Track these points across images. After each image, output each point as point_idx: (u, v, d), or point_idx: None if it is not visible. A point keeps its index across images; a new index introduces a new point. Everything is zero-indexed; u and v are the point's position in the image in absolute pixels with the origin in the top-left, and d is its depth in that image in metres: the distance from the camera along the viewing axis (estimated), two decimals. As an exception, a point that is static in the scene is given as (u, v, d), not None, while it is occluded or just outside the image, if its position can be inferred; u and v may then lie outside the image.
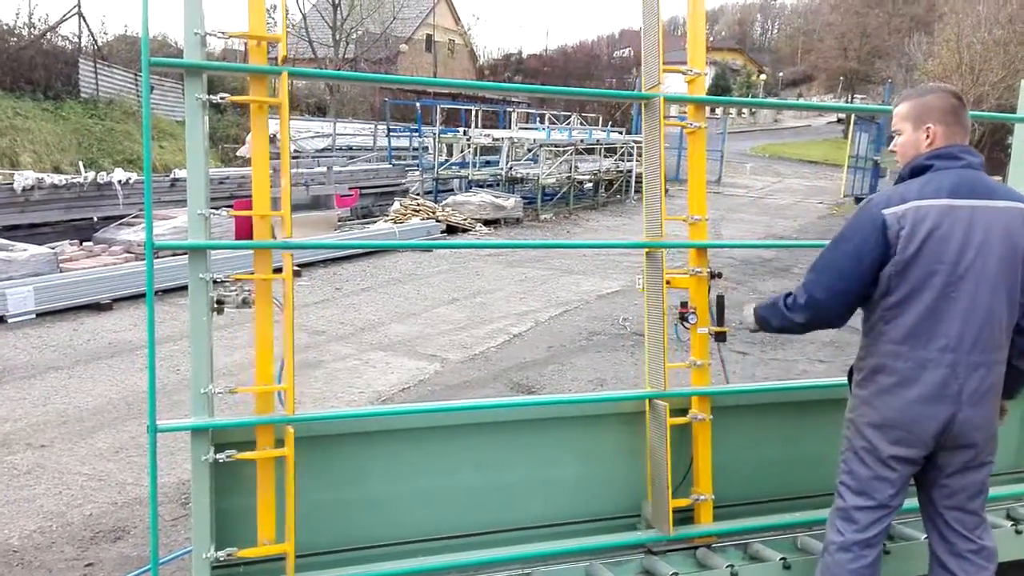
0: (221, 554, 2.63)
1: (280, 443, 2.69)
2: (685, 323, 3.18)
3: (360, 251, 11.54)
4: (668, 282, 3.16)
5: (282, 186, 2.59)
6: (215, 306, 2.68)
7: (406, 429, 2.97)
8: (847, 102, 45.11)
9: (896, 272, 2.43)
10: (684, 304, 3.21)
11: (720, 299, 3.25)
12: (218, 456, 2.61)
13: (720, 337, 3.22)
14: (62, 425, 5.20)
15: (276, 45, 2.60)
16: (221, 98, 2.55)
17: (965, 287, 2.39)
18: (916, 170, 2.52)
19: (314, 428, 2.81)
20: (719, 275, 3.25)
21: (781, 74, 66.96)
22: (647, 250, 3.14)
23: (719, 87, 49.56)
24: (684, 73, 3.17)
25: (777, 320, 2.74)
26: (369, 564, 2.85)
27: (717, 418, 3.21)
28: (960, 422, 2.43)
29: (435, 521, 3.04)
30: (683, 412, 3.22)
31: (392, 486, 2.98)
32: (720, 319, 3.23)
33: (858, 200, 23.70)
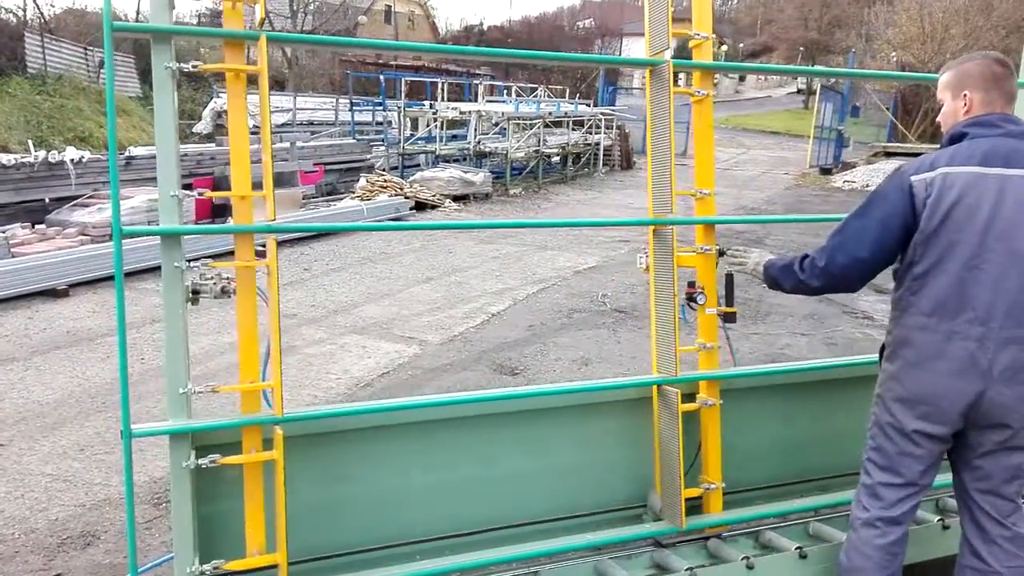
0: (207, 567, 2.42)
1: (267, 444, 2.47)
2: (693, 303, 3.02)
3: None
4: (672, 261, 2.98)
5: (264, 163, 2.34)
6: (190, 296, 2.44)
7: (401, 424, 2.77)
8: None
9: (922, 240, 2.35)
10: (692, 284, 3.04)
11: (730, 277, 3.08)
12: (200, 462, 2.38)
13: (729, 318, 3.06)
14: (21, 422, 4.89)
15: (254, 9, 2.35)
16: (193, 66, 2.27)
17: (995, 258, 2.29)
18: (953, 139, 2.43)
19: (302, 427, 2.60)
20: (727, 252, 3.08)
21: (741, 45, 66.97)
22: (654, 228, 2.96)
23: (681, 58, 49.20)
24: (691, 37, 2.97)
25: (791, 283, 2.67)
26: (366, 569, 2.66)
27: (723, 401, 3.07)
28: (990, 400, 2.31)
29: (434, 520, 2.87)
30: (690, 396, 3.07)
31: (388, 485, 2.79)
32: (729, 298, 3.07)
33: (823, 171, 23.80)
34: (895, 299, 2.50)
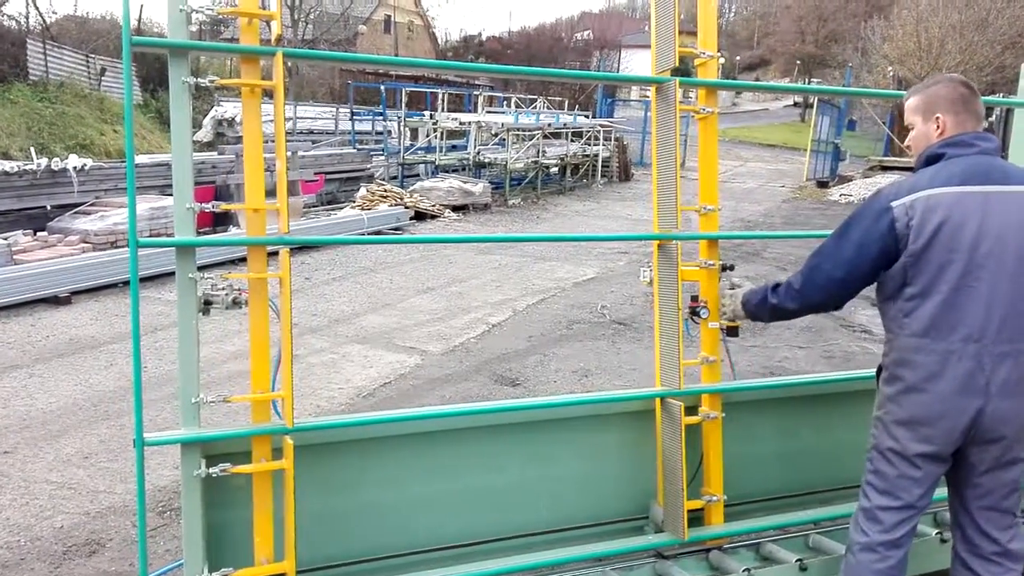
0: (216, 575, 2.44)
1: (277, 453, 2.51)
2: (696, 318, 3.06)
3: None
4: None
5: (278, 173, 2.38)
6: (202, 307, 2.48)
7: (407, 435, 2.80)
8: (806, 85, 45.62)
9: (911, 263, 2.37)
10: (695, 298, 3.08)
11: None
12: (211, 470, 2.41)
13: (732, 332, 3.10)
14: (25, 429, 4.91)
15: (270, 24, 2.39)
16: (210, 81, 2.32)
17: (984, 275, 2.32)
18: (929, 159, 2.47)
19: (310, 436, 2.63)
20: (731, 267, 3.13)
21: (738, 58, 67.26)
22: (659, 242, 3.00)
23: (678, 71, 49.43)
24: (696, 56, 3.03)
25: (768, 312, 2.78)
26: (373, 579, 2.69)
27: (724, 414, 3.10)
28: (989, 415, 2.34)
29: (440, 529, 2.90)
30: (692, 409, 3.11)
31: (394, 495, 2.82)
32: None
33: (820, 184, 23.92)
34: (888, 322, 2.52)
